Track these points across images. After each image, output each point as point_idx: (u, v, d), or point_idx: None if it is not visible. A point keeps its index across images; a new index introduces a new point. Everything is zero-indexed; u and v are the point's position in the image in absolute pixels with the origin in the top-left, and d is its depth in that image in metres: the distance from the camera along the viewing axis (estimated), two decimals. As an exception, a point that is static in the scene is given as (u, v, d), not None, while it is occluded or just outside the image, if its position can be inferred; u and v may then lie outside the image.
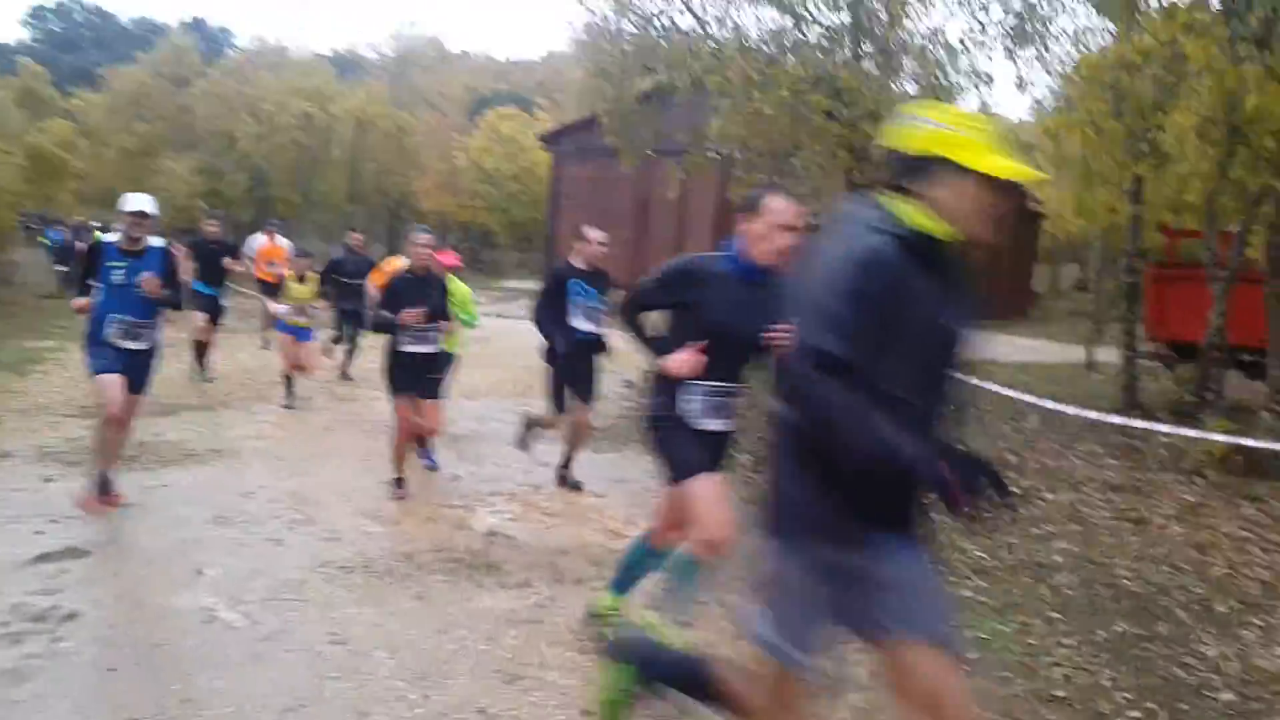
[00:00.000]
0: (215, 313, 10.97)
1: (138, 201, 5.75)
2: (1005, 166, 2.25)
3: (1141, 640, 4.43)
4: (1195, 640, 4.44)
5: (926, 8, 10.36)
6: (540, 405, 7.38)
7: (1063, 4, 10.05)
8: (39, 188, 26.25)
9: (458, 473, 7.29)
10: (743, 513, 3.25)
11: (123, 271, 5.63)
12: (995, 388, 8.60)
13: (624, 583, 4.22)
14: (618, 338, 6.65)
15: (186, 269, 9.38)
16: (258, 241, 13.93)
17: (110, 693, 3.62)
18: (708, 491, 3.65)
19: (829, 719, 3.67)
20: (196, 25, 59.57)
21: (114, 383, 5.64)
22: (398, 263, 6.73)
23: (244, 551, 5.28)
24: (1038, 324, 23.84)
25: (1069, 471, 7.55)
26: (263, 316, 13.48)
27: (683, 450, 3.69)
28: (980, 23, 10.23)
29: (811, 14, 10.32)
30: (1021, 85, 10.70)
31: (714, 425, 3.71)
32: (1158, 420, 8.25)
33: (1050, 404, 8.30)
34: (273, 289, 11.99)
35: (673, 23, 11.13)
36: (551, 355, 6.72)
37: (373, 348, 11.71)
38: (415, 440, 6.94)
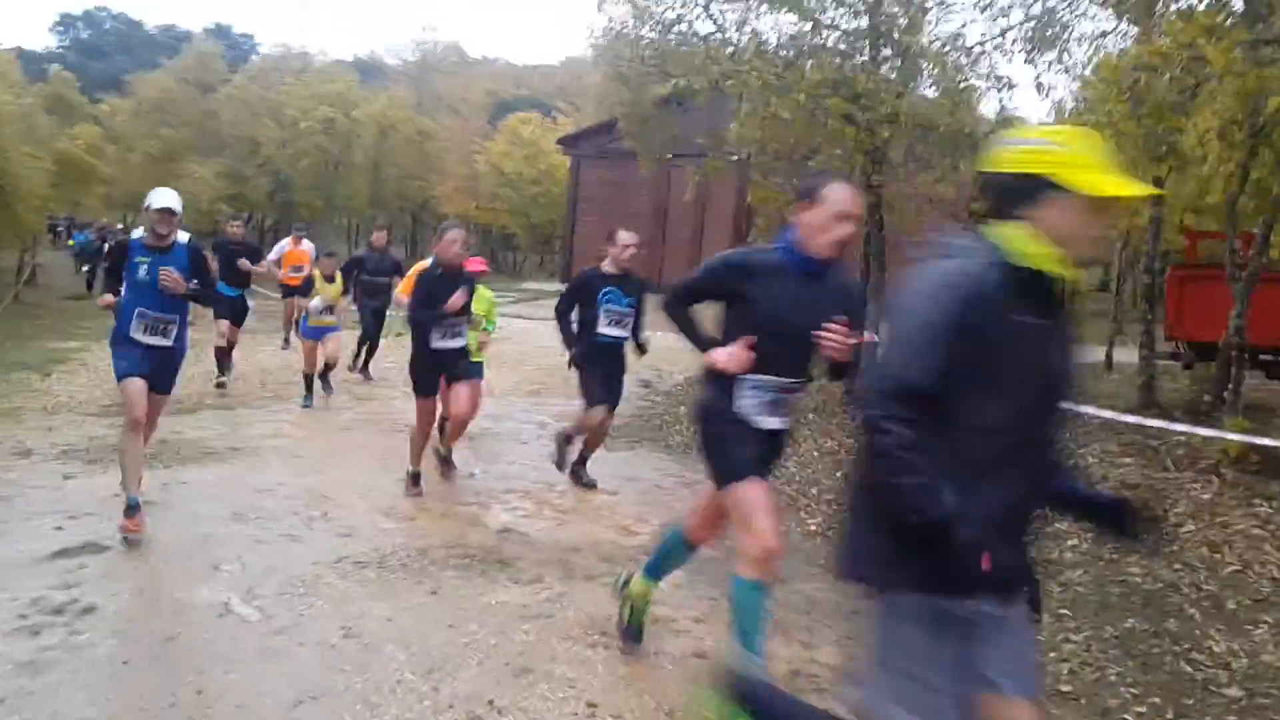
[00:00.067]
0: (240, 314, 10.96)
1: (164, 198, 5.63)
2: (1113, 184, 2.14)
3: (1150, 636, 4.43)
4: (1204, 637, 4.43)
5: (945, 12, 10.38)
6: (549, 407, 7.41)
7: (1084, 10, 10.02)
8: (66, 192, 26.62)
9: (473, 470, 7.35)
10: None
11: (148, 267, 5.53)
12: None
13: (657, 569, 4.10)
14: (655, 335, 6.72)
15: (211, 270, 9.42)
16: (283, 246, 13.95)
17: (125, 684, 3.69)
18: (755, 499, 3.43)
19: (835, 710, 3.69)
20: (221, 32, 60.13)
21: (139, 388, 5.53)
22: (424, 265, 6.77)
23: (260, 547, 5.34)
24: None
25: (1083, 470, 7.51)
26: (285, 317, 13.61)
27: (732, 450, 3.49)
28: (1000, 27, 10.23)
29: (830, 19, 10.34)
30: (1041, 89, 10.65)
31: (768, 423, 3.51)
32: (1175, 420, 8.21)
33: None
34: (295, 293, 12.09)
35: (691, 28, 11.17)
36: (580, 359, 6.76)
37: (391, 348, 11.87)
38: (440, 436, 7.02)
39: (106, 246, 18.26)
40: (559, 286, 20.09)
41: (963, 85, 10.21)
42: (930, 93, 10.48)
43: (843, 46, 10.41)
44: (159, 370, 5.68)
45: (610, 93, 12.66)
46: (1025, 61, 10.35)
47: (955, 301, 2.10)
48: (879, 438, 2.12)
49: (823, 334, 3.22)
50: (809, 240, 3.38)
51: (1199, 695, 3.89)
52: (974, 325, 2.09)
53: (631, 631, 4.13)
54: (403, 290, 6.79)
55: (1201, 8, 8.14)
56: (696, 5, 10.94)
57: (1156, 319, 10.68)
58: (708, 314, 3.65)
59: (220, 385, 10.35)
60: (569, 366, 6.89)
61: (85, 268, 22.47)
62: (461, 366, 6.74)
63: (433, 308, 6.33)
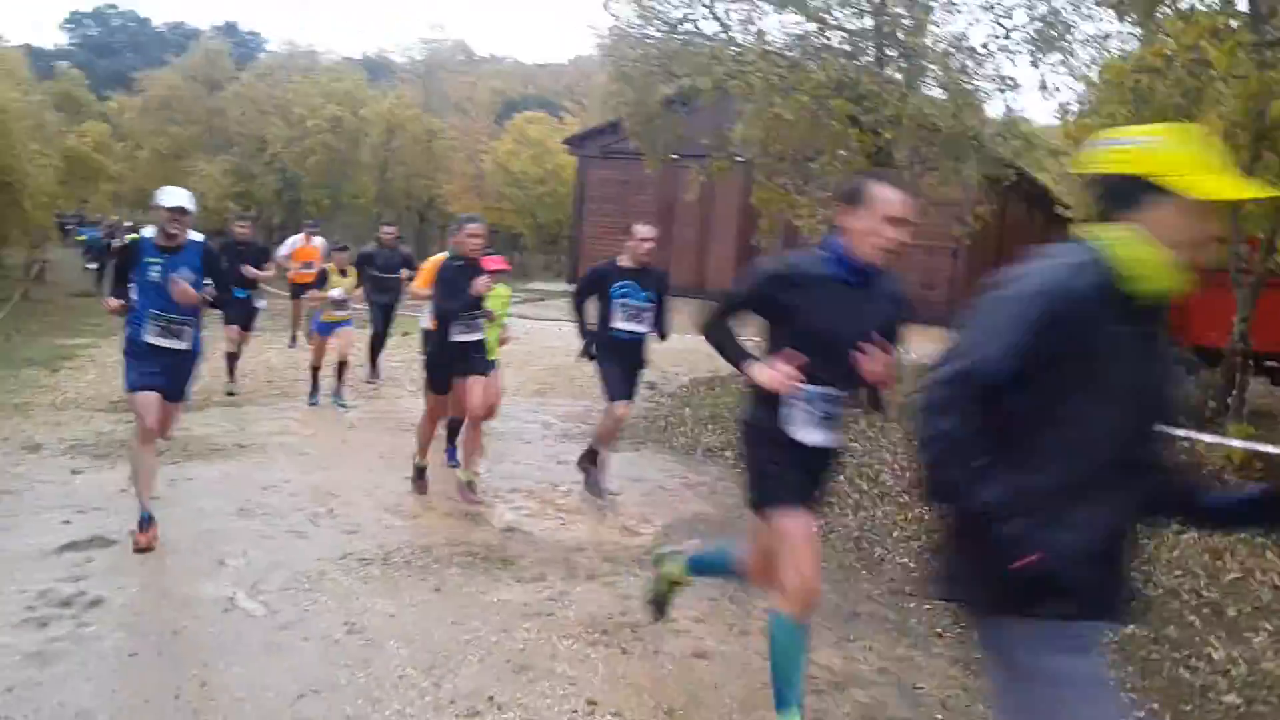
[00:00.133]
0: (249, 316, 10.68)
1: (176, 196, 5.41)
2: (1222, 185, 2.05)
3: (1150, 642, 4.44)
4: (1204, 643, 4.44)
5: (950, 13, 10.38)
6: (554, 407, 7.43)
7: (1088, 12, 10.02)
8: (75, 189, 26.75)
9: (478, 469, 7.37)
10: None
11: (160, 268, 5.30)
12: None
13: (699, 566, 3.99)
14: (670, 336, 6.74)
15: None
16: (294, 242, 13.53)
17: (131, 676, 3.73)
18: (799, 534, 3.24)
19: (834, 713, 3.72)
20: (228, 30, 60.19)
21: (151, 401, 5.32)
22: (440, 257, 6.76)
23: (266, 543, 5.39)
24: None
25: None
26: (292, 315, 13.62)
27: (776, 472, 3.28)
28: (1004, 28, 10.23)
29: (835, 19, 10.36)
30: (1045, 90, 10.63)
31: (817, 439, 3.27)
32: (1178, 426, 8.20)
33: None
34: (304, 290, 12.07)
35: (696, 27, 11.19)
36: (592, 352, 6.77)
37: (398, 346, 11.91)
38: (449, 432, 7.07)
39: (113, 245, 18.33)
40: (565, 287, 20.13)
41: (968, 86, 10.22)
42: (935, 94, 10.49)
43: (847, 47, 10.42)
44: (172, 379, 5.44)
45: (615, 92, 12.68)
46: (1031, 64, 10.36)
47: (1045, 299, 2.03)
48: (935, 420, 2.05)
49: (862, 354, 3.10)
50: (856, 246, 3.19)
51: (1197, 701, 3.90)
52: (1065, 327, 2.02)
53: (654, 603, 4.16)
54: (420, 284, 6.78)
55: (1202, 8, 8.15)
56: (701, 4, 10.99)
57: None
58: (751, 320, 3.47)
59: (230, 395, 10.29)
60: (580, 357, 6.90)
61: (94, 264, 22.54)
62: (478, 361, 6.73)
63: (455, 297, 6.27)
